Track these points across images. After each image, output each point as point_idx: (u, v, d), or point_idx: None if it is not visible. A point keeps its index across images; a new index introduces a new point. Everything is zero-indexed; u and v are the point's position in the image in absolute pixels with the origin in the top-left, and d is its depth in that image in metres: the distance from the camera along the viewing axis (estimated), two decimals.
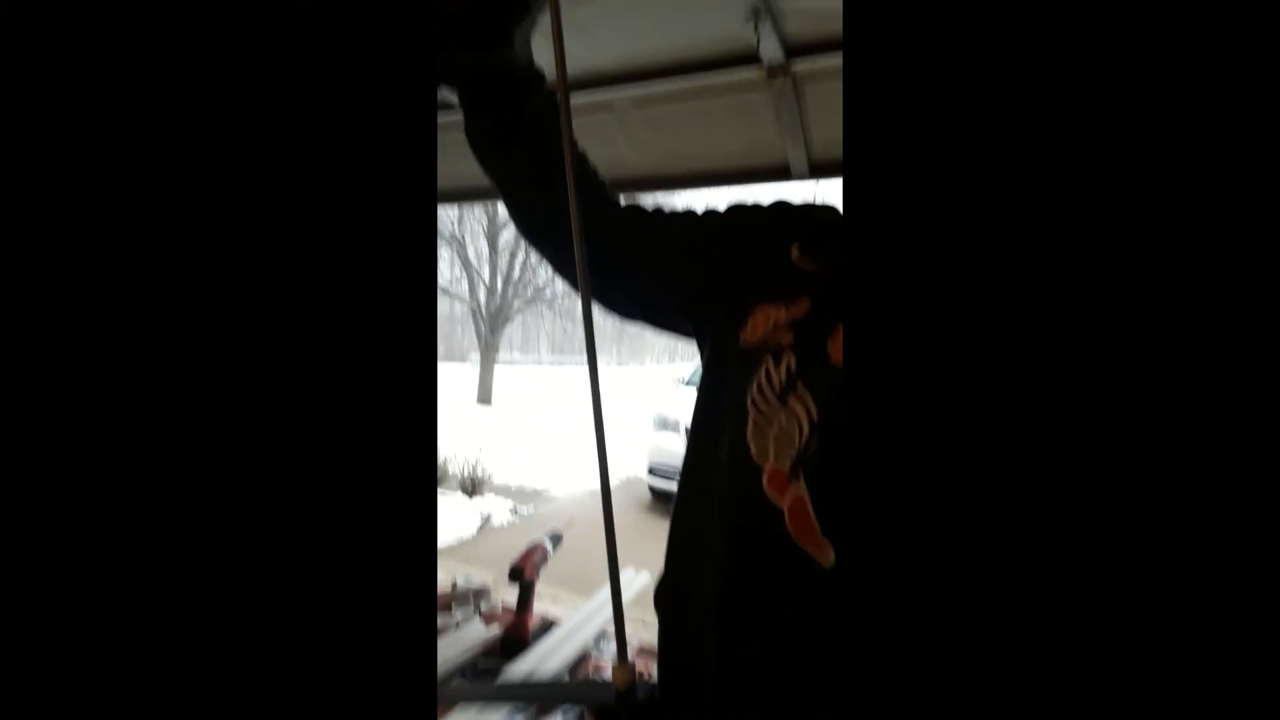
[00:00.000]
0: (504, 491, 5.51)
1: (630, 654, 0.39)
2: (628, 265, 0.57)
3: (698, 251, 0.55)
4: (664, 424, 5.24)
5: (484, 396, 12.18)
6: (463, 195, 1.76)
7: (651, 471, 5.21)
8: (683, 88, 1.19)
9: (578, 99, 1.31)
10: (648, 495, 5.38)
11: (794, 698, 0.37)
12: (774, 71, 1.09)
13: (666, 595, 0.47)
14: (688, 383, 6.07)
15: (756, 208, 0.57)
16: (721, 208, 0.58)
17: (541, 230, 0.59)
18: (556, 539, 1.30)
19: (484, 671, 1.07)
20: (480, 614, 1.21)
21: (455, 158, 1.62)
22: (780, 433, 0.41)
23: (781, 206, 0.56)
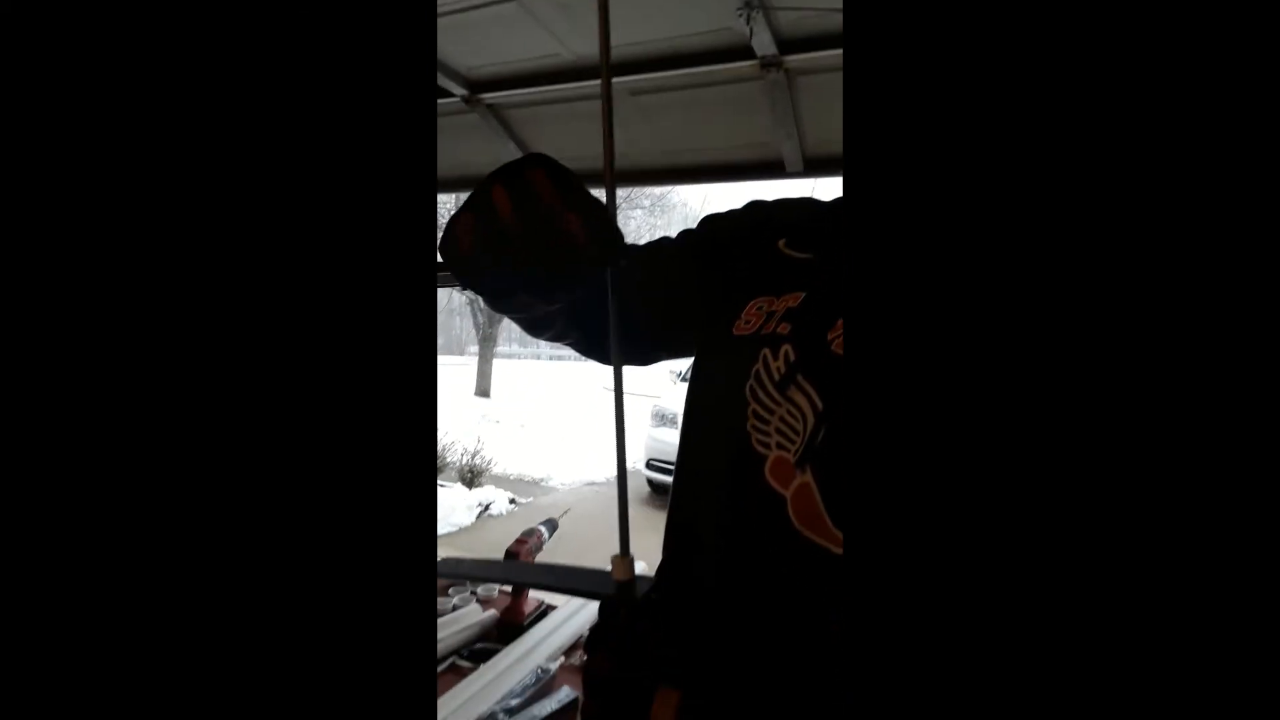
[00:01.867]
0: (502, 482, 5.53)
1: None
2: (638, 318, 0.55)
3: (686, 263, 0.56)
4: (662, 418, 5.26)
5: (482, 389, 12.20)
6: (461, 184, 1.77)
7: (650, 465, 5.24)
8: (676, 79, 1.19)
9: (569, 90, 1.32)
10: (646, 488, 5.41)
11: (795, 682, 0.37)
12: (767, 64, 1.10)
13: (665, 584, 0.47)
14: (684, 378, 6.07)
15: (733, 212, 0.57)
16: (695, 224, 0.59)
17: (548, 324, 0.55)
18: (552, 526, 1.32)
19: (480, 652, 1.09)
20: (477, 598, 1.23)
21: (454, 145, 1.62)
22: (783, 423, 0.40)
23: (758, 205, 0.56)
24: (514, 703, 0.93)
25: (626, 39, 1.13)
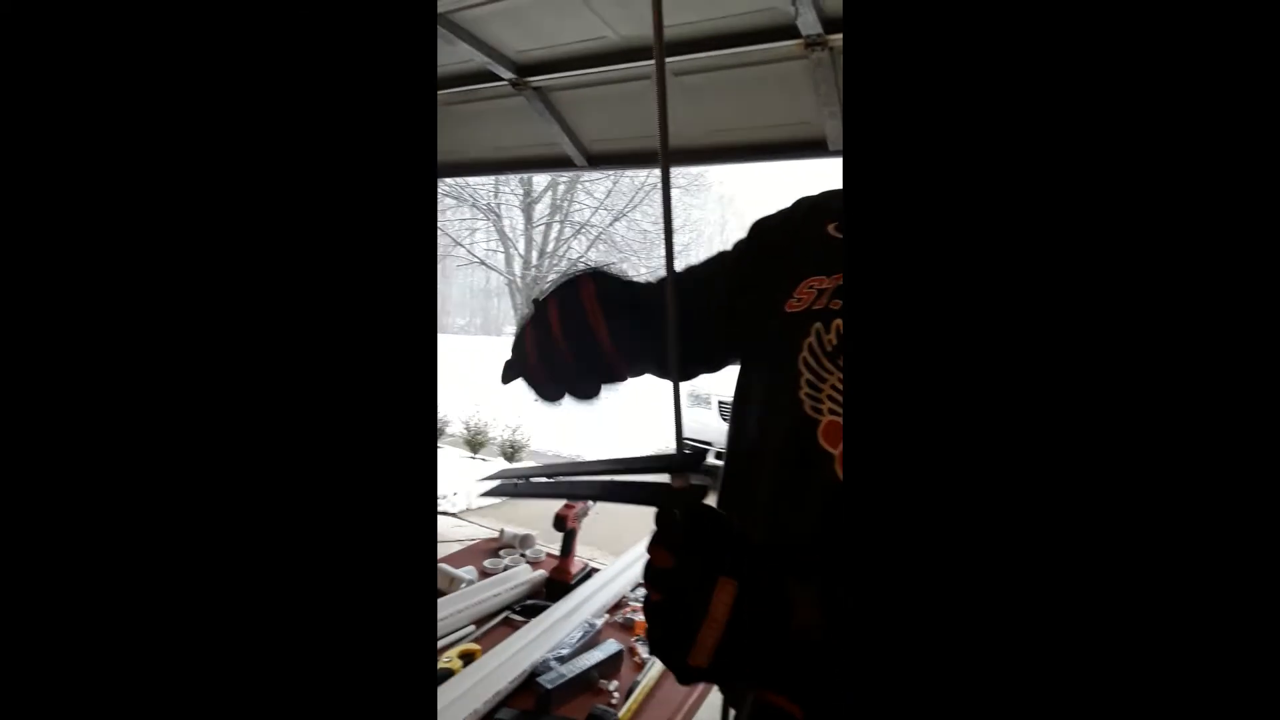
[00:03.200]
0: (541, 457, 5.68)
1: None
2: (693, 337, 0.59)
3: (734, 265, 0.60)
4: (695, 399, 5.29)
5: None
6: (507, 166, 1.82)
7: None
8: (719, 59, 1.21)
9: (614, 72, 1.35)
10: None
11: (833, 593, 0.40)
12: (811, 44, 1.10)
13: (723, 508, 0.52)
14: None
15: (780, 210, 0.61)
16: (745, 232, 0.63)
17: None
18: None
19: (531, 608, 1.17)
20: (526, 559, 1.31)
21: (500, 128, 1.67)
22: (834, 390, 0.44)
23: (805, 198, 0.60)
24: (564, 652, 1.00)
25: (672, 20, 1.15)
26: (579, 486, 0.48)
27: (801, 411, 0.45)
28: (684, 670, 0.36)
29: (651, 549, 0.37)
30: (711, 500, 0.44)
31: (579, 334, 0.47)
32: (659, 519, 0.37)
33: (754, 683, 0.37)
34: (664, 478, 0.39)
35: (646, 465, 0.42)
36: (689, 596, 0.35)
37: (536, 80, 1.44)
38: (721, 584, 0.35)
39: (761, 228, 0.61)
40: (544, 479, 0.50)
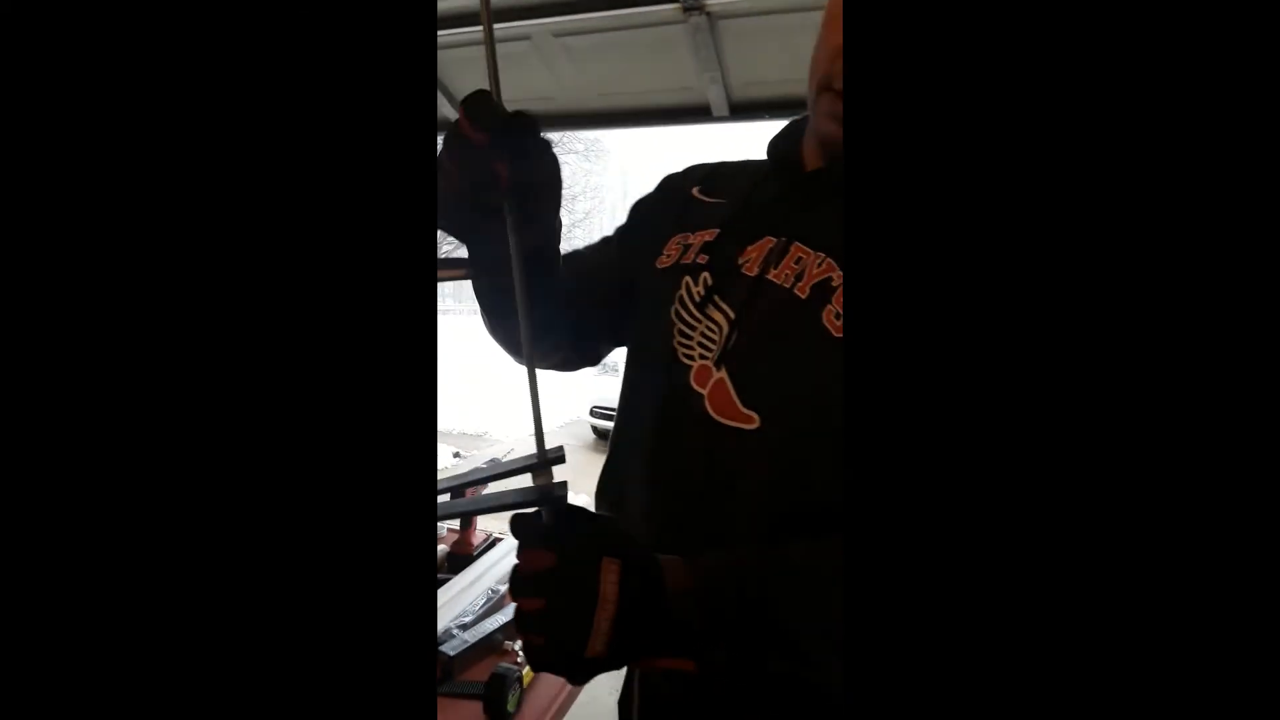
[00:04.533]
0: (445, 438, 5.51)
1: None
2: (588, 318, 0.59)
3: (614, 247, 0.62)
4: (604, 367, 5.35)
5: None
6: None
7: (593, 412, 5.34)
8: (599, 21, 1.20)
9: (499, 30, 1.30)
10: (591, 435, 5.52)
11: (713, 541, 0.43)
12: (689, 8, 1.12)
13: (605, 483, 0.55)
14: None
15: (651, 191, 0.64)
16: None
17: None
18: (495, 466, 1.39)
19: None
20: None
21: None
22: (704, 336, 0.48)
23: (672, 175, 0.64)
24: (467, 620, 1.00)
25: None
26: (449, 506, 0.48)
27: (676, 359, 0.49)
28: (579, 665, 0.35)
29: (524, 555, 0.36)
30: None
31: (459, 152, 0.40)
32: (521, 523, 0.37)
33: (647, 654, 0.38)
34: (526, 479, 0.38)
35: (507, 471, 0.41)
36: (576, 587, 0.35)
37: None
38: (606, 564, 0.35)
39: (636, 206, 0.64)
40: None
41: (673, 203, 0.60)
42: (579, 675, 0.36)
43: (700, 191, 0.59)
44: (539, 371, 0.40)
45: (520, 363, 0.45)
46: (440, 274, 0.48)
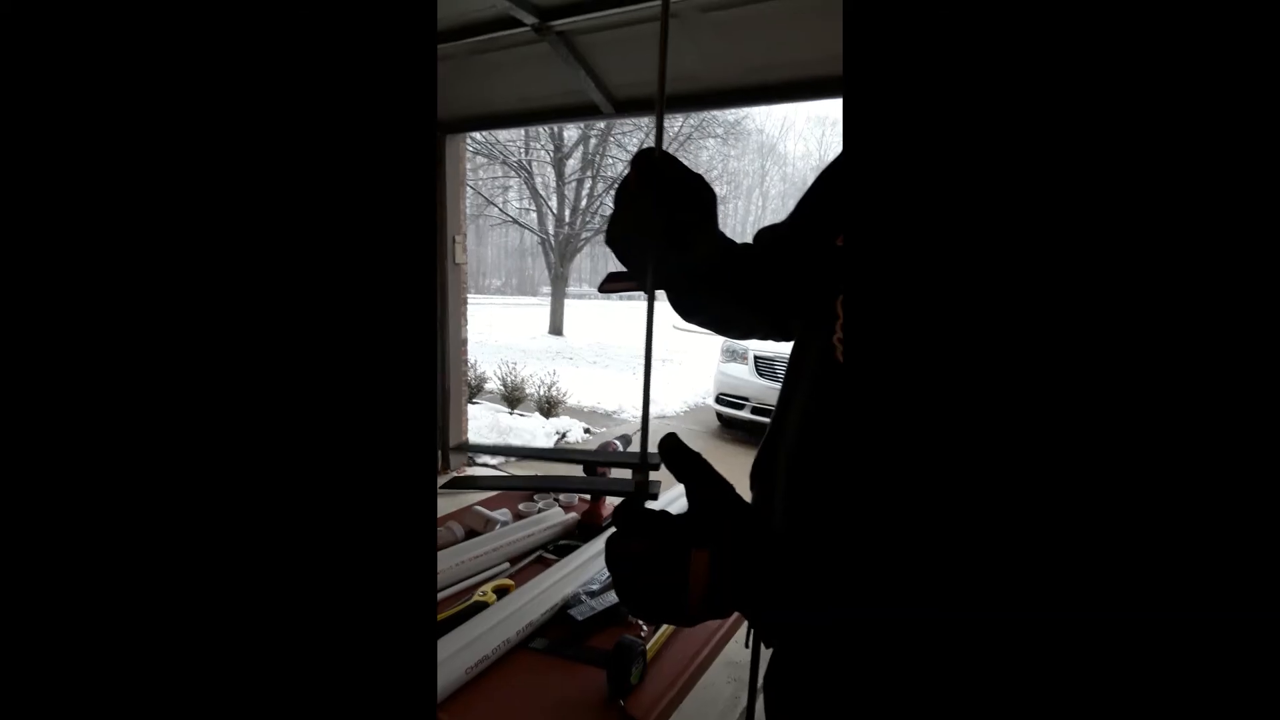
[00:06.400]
0: (577, 414, 5.80)
1: None
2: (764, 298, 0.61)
3: (786, 230, 0.61)
4: (731, 355, 5.27)
5: (556, 327, 12.58)
6: (532, 117, 1.80)
7: (719, 400, 5.30)
8: None
9: (642, 10, 1.30)
10: (715, 421, 5.51)
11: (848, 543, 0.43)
12: None
13: (757, 471, 0.56)
14: None
15: (780, 225, 0.62)
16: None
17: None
18: (626, 441, 1.42)
19: (564, 548, 1.22)
20: (559, 504, 1.36)
21: (526, 76, 1.64)
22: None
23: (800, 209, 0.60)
24: (595, 588, 1.04)
25: None
26: (547, 481, 0.55)
27: (832, 356, 0.47)
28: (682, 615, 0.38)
29: (617, 539, 0.39)
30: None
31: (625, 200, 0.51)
32: (619, 511, 0.40)
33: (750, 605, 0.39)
34: (625, 473, 0.43)
35: (612, 461, 0.47)
36: (665, 574, 0.37)
37: (559, 24, 1.41)
38: (696, 555, 0.37)
39: (771, 238, 0.62)
40: (516, 473, 0.56)
41: (818, 258, 0.56)
42: (686, 620, 0.39)
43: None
44: (653, 371, 0.47)
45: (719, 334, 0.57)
46: (614, 286, 0.56)
